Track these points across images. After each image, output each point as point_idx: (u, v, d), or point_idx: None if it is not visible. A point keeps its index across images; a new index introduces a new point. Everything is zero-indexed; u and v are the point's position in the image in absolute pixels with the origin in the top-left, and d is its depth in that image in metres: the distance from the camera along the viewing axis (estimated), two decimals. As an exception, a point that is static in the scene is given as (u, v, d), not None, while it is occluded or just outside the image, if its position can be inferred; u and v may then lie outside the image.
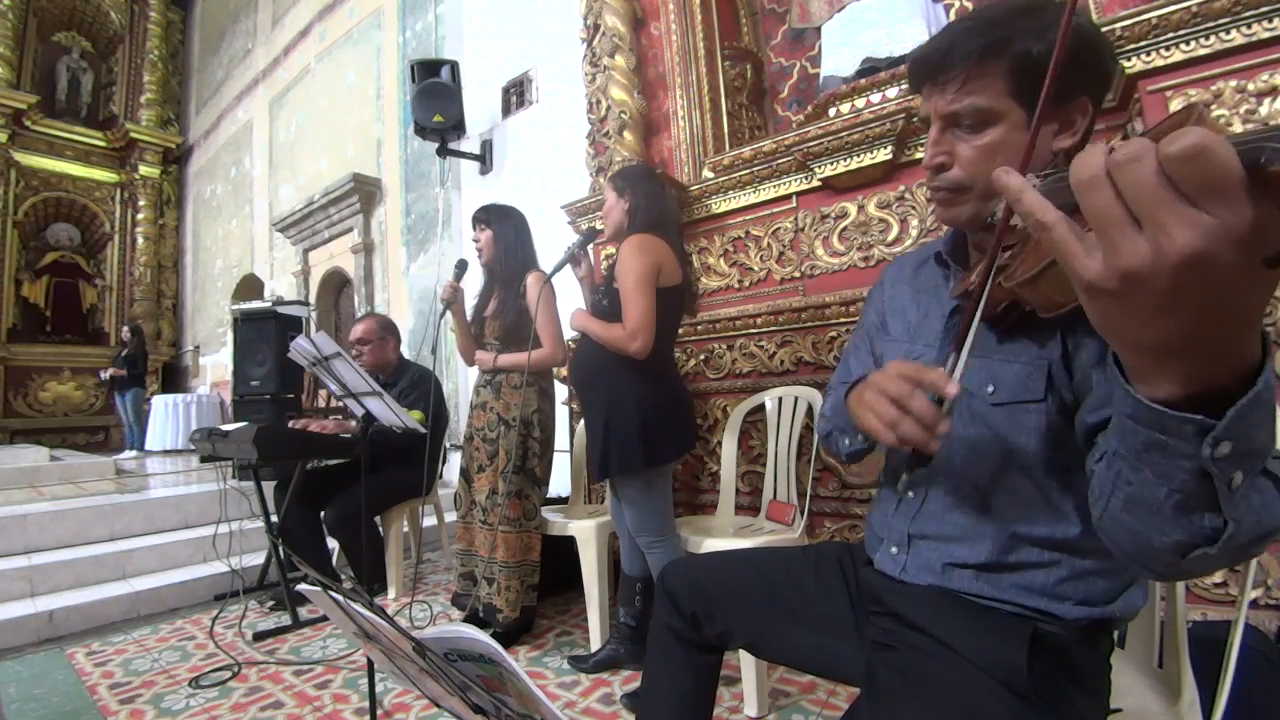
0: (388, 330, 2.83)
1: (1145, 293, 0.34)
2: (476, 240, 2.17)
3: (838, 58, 2.21)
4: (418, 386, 2.67)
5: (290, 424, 2.71)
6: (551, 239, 3.41)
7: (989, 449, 0.73)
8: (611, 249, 2.53)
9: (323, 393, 5.10)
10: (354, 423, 2.47)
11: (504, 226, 2.15)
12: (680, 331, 2.06)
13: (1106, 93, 0.72)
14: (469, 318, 2.22)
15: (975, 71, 0.68)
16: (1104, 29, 1.46)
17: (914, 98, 1.63)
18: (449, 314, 2.16)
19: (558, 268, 1.91)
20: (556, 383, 2.78)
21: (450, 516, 2.65)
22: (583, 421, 2.47)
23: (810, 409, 1.90)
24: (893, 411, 0.61)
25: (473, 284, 2.28)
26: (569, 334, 2.20)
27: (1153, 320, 0.35)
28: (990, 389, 0.72)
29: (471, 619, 2.09)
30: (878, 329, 0.95)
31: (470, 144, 4.27)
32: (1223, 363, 0.37)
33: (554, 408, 2.16)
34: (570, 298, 2.03)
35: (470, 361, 2.24)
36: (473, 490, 2.16)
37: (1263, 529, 0.43)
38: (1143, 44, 1.44)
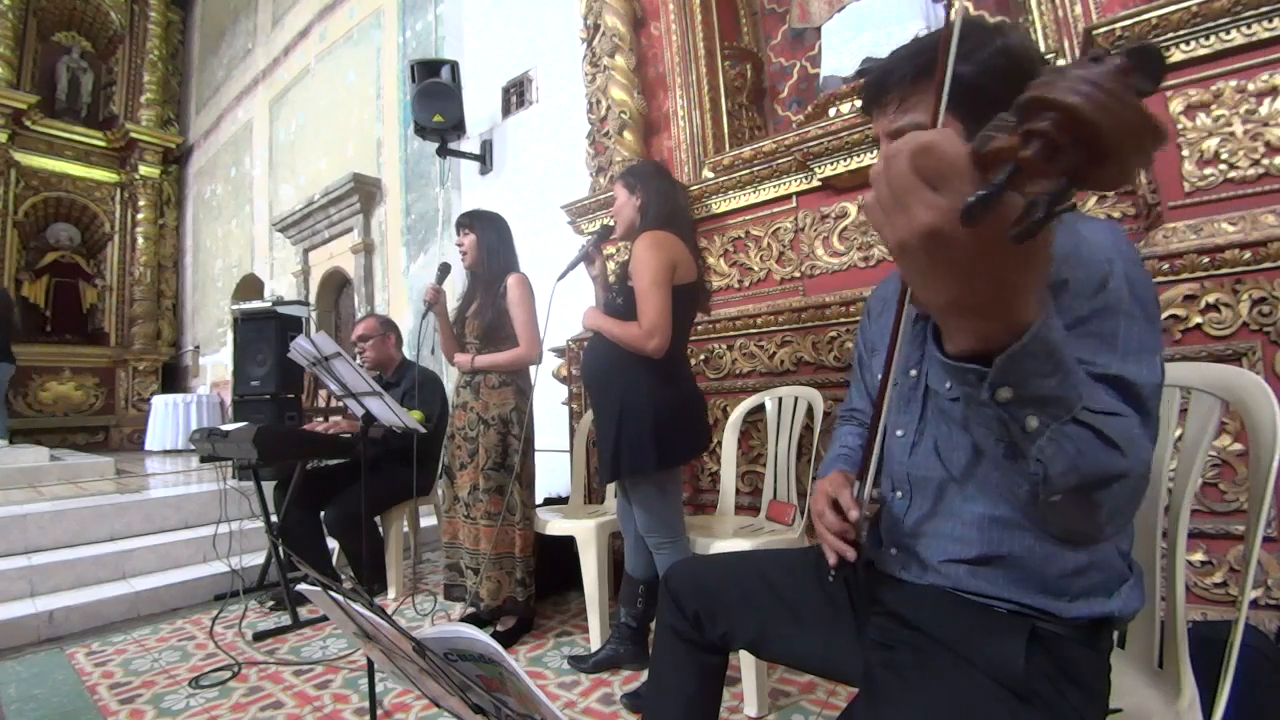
0: (388, 327, 2.84)
1: (915, 259, 0.43)
2: (460, 245, 2.23)
3: (838, 58, 2.20)
4: (424, 388, 2.68)
5: (304, 426, 2.72)
6: (551, 239, 3.42)
7: (960, 443, 0.76)
8: (612, 249, 2.53)
9: (323, 393, 5.10)
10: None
11: (486, 231, 2.21)
12: (684, 330, 2.05)
13: None
14: (452, 319, 2.29)
15: (910, 92, 0.74)
16: (1104, 29, 1.46)
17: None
18: (432, 315, 2.23)
19: (570, 267, 1.90)
20: (556, 382, 2.80)
21: (448, 516, 2.66)
22: (583, 421, 2.48)
23: (810, 409, 1.90)
24: (819, 527, 0.76)
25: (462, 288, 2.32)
26: (577, 332, 2.20)
27: (930, 283, 0.44)
28: (947, 385, 0.75)
29: (471, 618, 2.10)
30: (867, 359, 1.01)
31: (470, 144, 4.27)
32: (999, 321, 0.45)
33: (532, 405, 2.21)
34: (579, 296, 2.02)
35: (453, 362, 2.29)
36: (455, 486, 2.22)
37: (1083, 473, 0.50)
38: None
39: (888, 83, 0.76)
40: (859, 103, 2.13)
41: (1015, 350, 0.45)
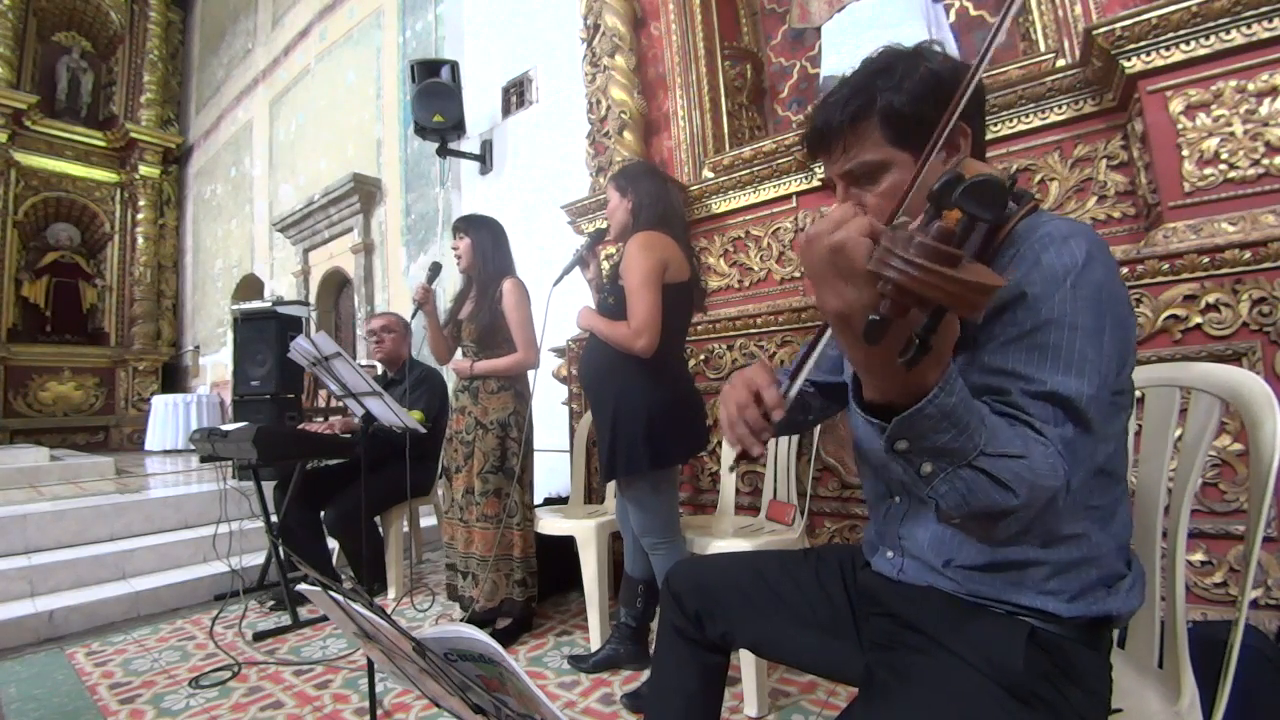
0: (408, 329, 2.87)
1: (831, 324, 0.52)
2: (455, 248, 2.25)
3: (838, 58, 2.20)
4: (423, 384, 2.68)
5: (300, 427, 2.73)
6: (551, 239, 3.42)
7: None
8: (612, 249, 2.53)
9: (323, 393, 5.10)
10: (357, 420, 2.48)
11: (481, 235, 2.22)
12: (681, 331, 2.06)
13: (980, 109, 0.81)
14: (443, 319, 2.30)
15: (851, 135, 0.76)
16: (1104, 29, 1.46)
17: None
18: (421, 314, 2.23)
19: (566, 271, 1.91)
20: (556, 383, 2.80)
21: (449, 516, 2.66)
22: (583, 422, 2.48)
23: (810, 409, 1.89)
24: (734, 413, 0.71)
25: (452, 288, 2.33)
26: (577, 333, 2.21)
27: (843, 345, 0.52)
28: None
29: (471, 618, 2.10)
30: None
31: (470, 144, 4.27)
32: (898, 387, 0.52)
33: (529, 409, 2.22)
34: (579, 297, 2.03)
35: (442, 361, 2.31)
36: (452, 489, 2.23)
37: (972, 506, 0.56)
38: (1143, 44, 1.44)
39: (828, 131, 0.78)
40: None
41: (911, 414, 0.52)
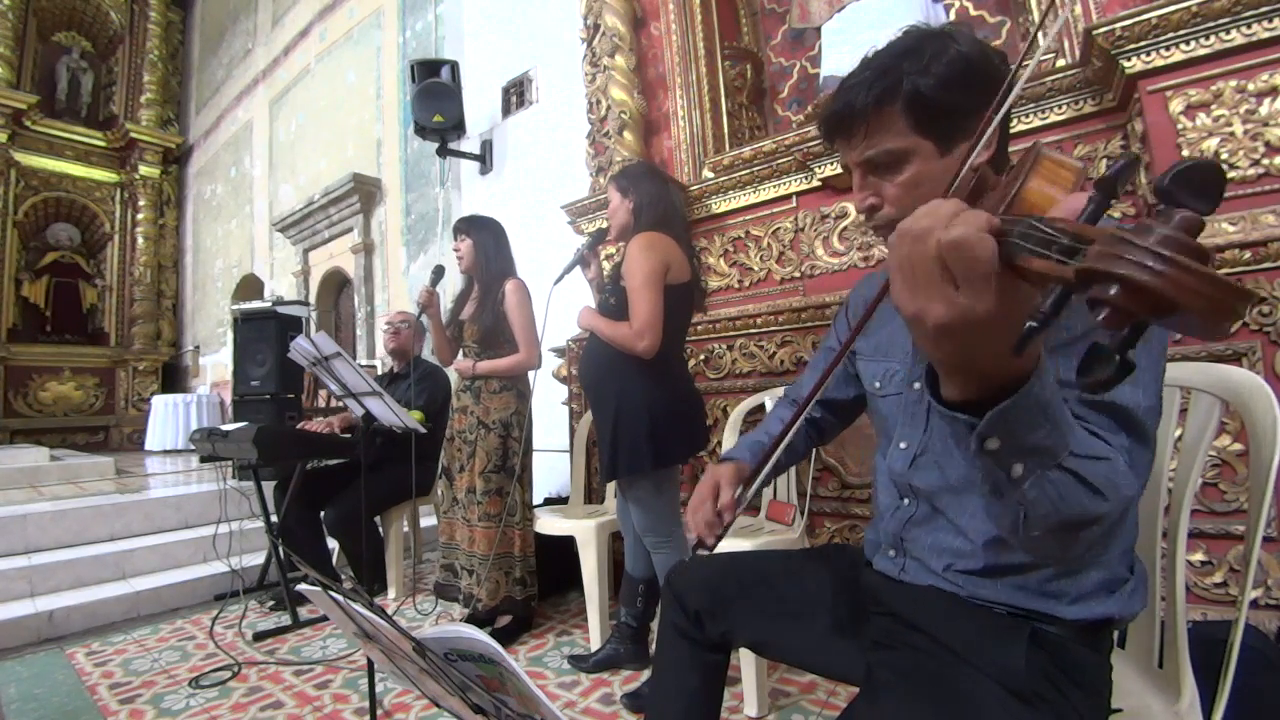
0: (422, 329, 2.89)
1: (922, 330, 0.45)
2: (457, 249, 2.25)
3: (838, 58, 2.21)
4: (426, 380, 2.69)
5: (299, 426, 2.75)
6: (551, 239, 3.42)
7: (960, 457, 0.74)
8: (613, 249, 2.53)
9: (323, 393, 5.10)
10: (357, 417, 2.49)
11: (483, 236, 2.23)
12: (681, 331, 2.06)
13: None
14: (445, 320, 2.31)
15: (875, 120, 0.72)
16: (1104, 29, 1.46)
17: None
18: (426, 317, 2.25)
19: (566, 270, 1.91)
20: (556, 383, 2.80)
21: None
22: (583, 422, 2.48)
23: (810, 409, 1.89)
24: (694, 504, 0.80)
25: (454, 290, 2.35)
26: (577, 333, 2.21)
27: (932, 347, 0.47)
28: (915, 384, 0.76)
29: (470, 618, 2.10)
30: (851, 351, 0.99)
31: (470, 144, 4.27)
32: (988, 381, 0.47)
33: (531, 408, 2.23)
34: (579, 297, 2.03)
35: (447, 363, 2.32)
36: (454, 489, 2.23)
37: (1063, 514, 0.51)
38: (1143, 44, 1.44)
39: (849, 115, 0.73)
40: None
41: (1006, 406, 0.47)
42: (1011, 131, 1.82)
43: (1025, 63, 0.53)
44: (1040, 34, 0.53)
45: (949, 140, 0.70)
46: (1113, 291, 0.33)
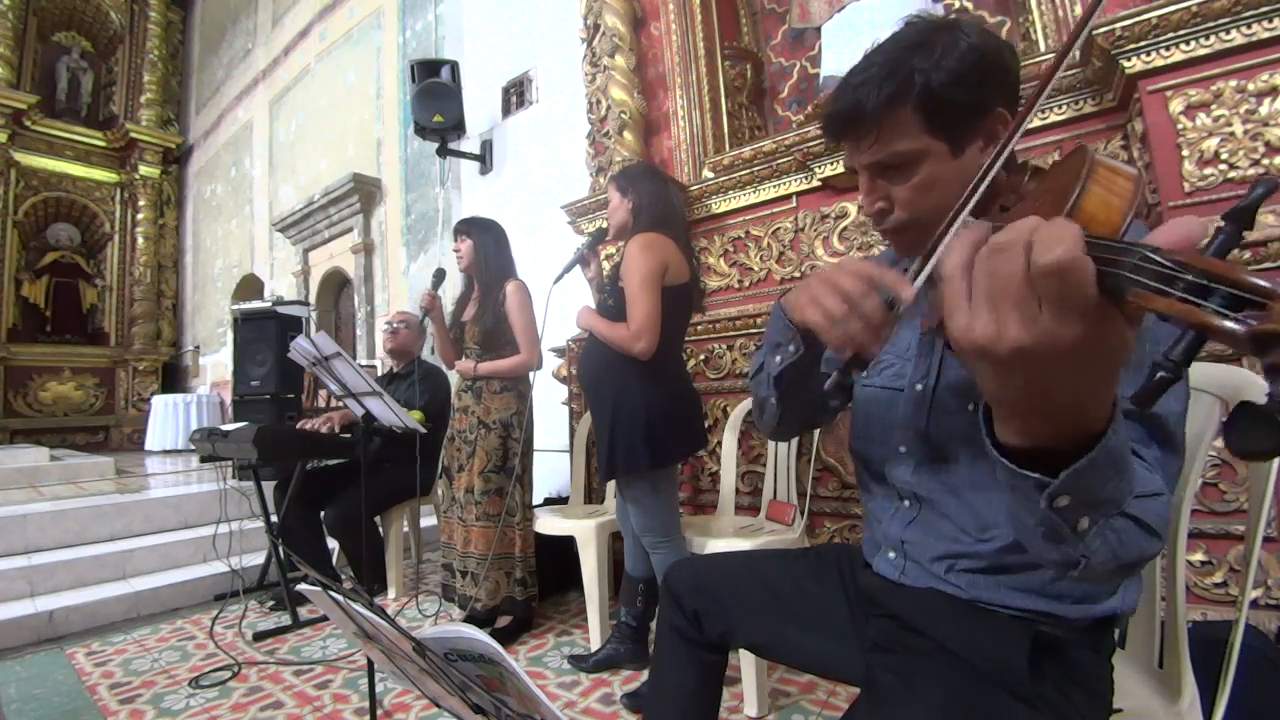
0: (423, 329, 2.89)
1: (990, 359, 0.38)
2: (457, 250, 2.26)
3: (838, 58, 2.20)
4: (426, 380, 2.69)
5: (299, 425, 2.76)
6: (551, 239, 3.42)
7: (962, 458, 0.74)
8: (613, 249, 2.53)
9: (323, 393, 5.10)
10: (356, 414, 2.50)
11: (484, 237, 2.23)
12: (681, 331, 2.06)
13: (1018, 95, 0.71)
14: (447, 322, 2.32)
15: (887, 121, 0.67)
16: (1104, 29, 1.46)
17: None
18: (429, 320, 2.26)
19: (566, 270, 1.91)
20: (556, 383, 2.80)
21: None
22: (583, 422, 2.48)
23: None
24: (842, 307, 0.57)
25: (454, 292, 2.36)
26: (577, 333, 2.22)
27: (996, 380, 0.40)
28: (970, 406, 0.73)
29: (470, 618, 2.10)
30: None
31: (470, 144, 4.27)
32: (1060, 428, 0.41)
33: (532, 409, 2.23)
34: (579, 297, 2.03)
35: (450, 365, 2.33)
36: (454, 488, 2.24)
37: (1121, 560, 0.48)
38: (1143, 44, 1.44)
39: (859, 115, 0.68)
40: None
41: (1082, 465, 0.41)
42: (1012, 131, 1.82)
43: (1048, 70, 0.52)
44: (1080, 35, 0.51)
45: (962, 140, 0.68)
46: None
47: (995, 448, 0.45)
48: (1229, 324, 0.30)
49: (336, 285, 6.20)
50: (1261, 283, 0.30)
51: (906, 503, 0.81)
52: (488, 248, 2.22)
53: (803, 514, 1.83)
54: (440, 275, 2.33)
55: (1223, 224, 0.34)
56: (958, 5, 2.25)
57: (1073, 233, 0.35)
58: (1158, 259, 0.33)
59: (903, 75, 0.66)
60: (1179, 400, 0.59)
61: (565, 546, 2.09)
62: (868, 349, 0.56)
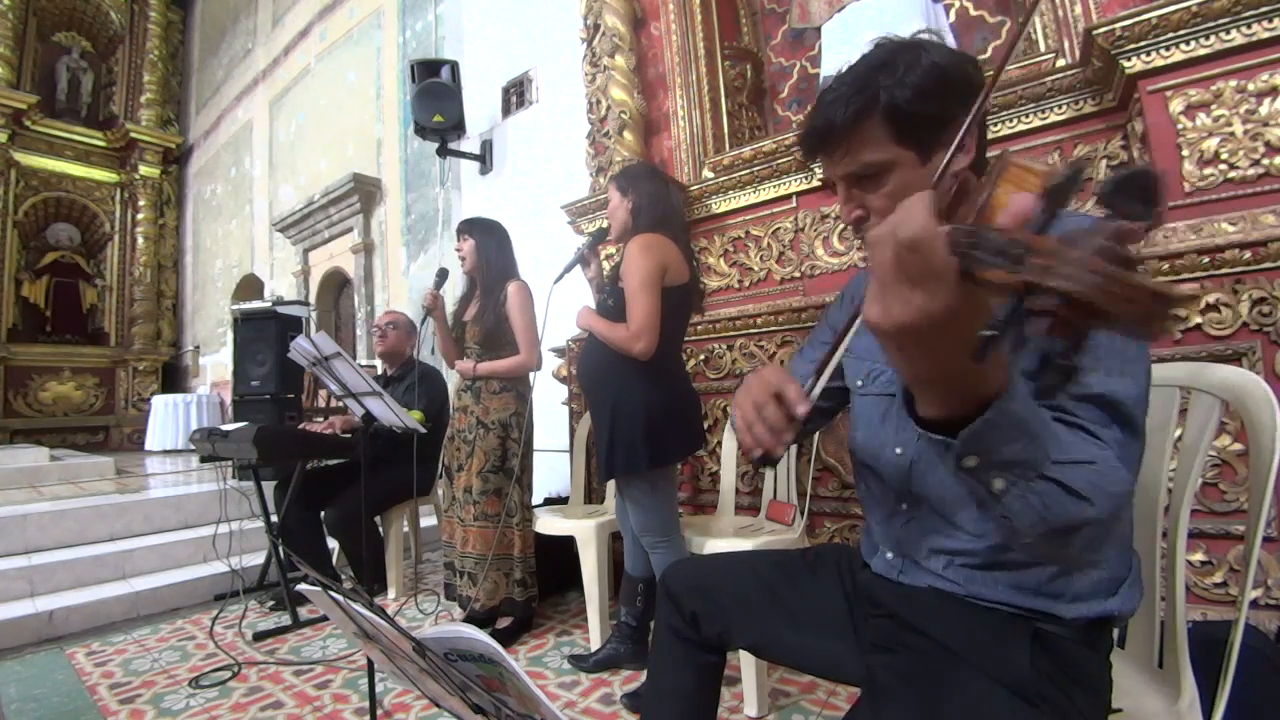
0: (413, 329, 2.90)
1: (885, 340, 0.46)
2: (459, 250, 2.27)
3: (838, 58, 2.20)
4: (423, 381, 2.69)
5: (300, 426, 2.75)
6: (551, 239, 3.42)
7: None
8: (613, 249, 2.53)
9: (323, 393, 5.10)
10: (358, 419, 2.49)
11: (486, 239, 2.24)
12: (681, 331, 2.06)
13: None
14: (449, 322, 2.32)
15: (855, 135, 0.73)
16: (1104, 29, 1.46)
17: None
18: (431, 320, 2.27)
19: (567, 269, 1.91)
20: (556, 383, 2.80)
21: (450, 516, 2.66)
22: (582, 422, 2.48)
23: (810, 409, 1.89)
24: (752, 414, 0.65)
25: (457, 292, 2.36)
26: (577, 333, 2.22)
27: (900, 359, 0.47)
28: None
29: (470, 618, 2.10)
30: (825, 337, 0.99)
31: (470, 144, 4.27)
32: (961, 397, 0.48)
33: (531, 409, 2.23)
34: (579, 297, 2.03)
35: (452, 364, 2.33)
36: (454, 488, 2.25)
37: (1051, 523, 0.52)
38: (1143, 44, 1.44)
39: (829, 132, 0.74)
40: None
41: (978, 425, 0.48)
42: (1012, 132, 1.83)
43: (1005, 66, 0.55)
44: (1019, 40, 0.54)
45: (929, 149, 0.72)
46: (1052, 302, 0.35)
47: (916, 420, 0.52)
48: (1029, 278, 0.37)
49: (336, 285, 6.20)
50: (1048, 244, 0.36)
51: (905, 505, 0.82)
52: (490, 249, 2.23)
53: (803, 514, 1.83)
54: (443, 275, 2.33)
55: (1044, 202, 0.40)
56: (958, 5, 2.26)
57: (919, 213, 0.41)
58: (993, 236, 0.39)
59: (869, 92, 0.71)
60: (1136, 384, 0.60)
61: (565, 546, 2.09)
62: (773, 451, 0.65)
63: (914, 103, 0.69)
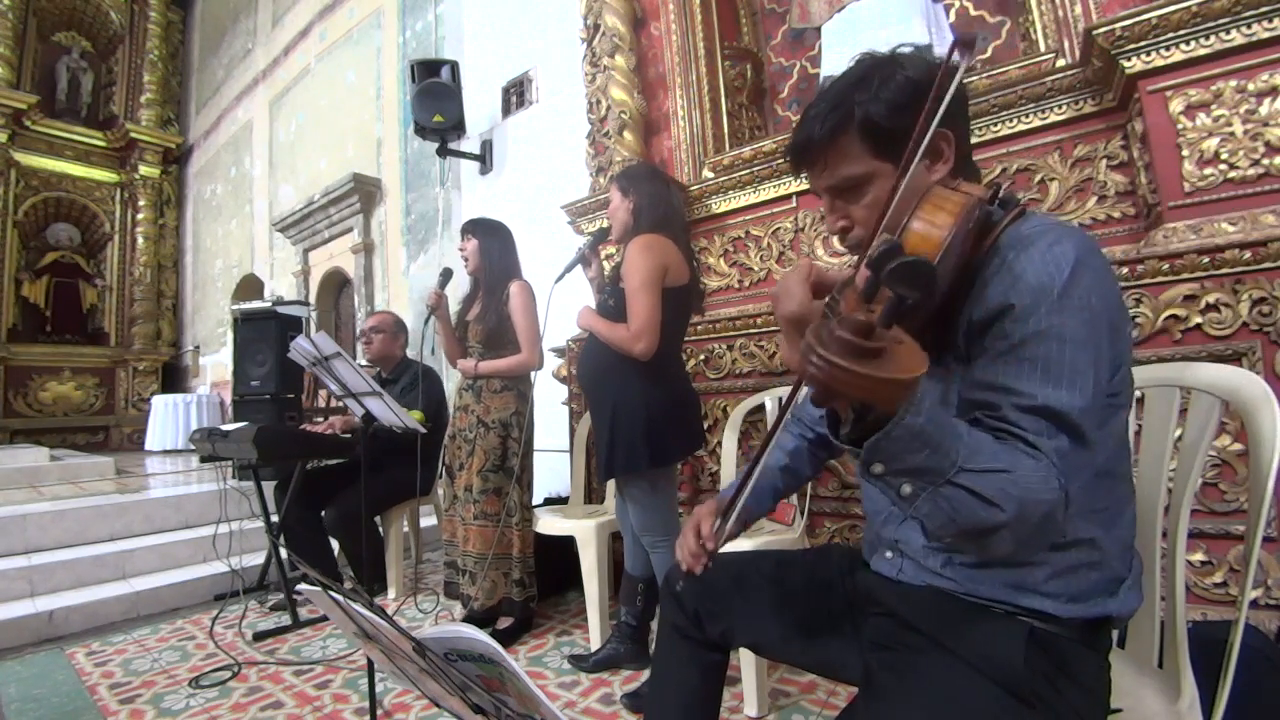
0: (400, 329, 2.88)
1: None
2: (462, 250, 2.27)
3: (838, 58, 2.20)
4: (419, 383, 2.69)
5: (302, 426, 2.74)
6: (551, 239, 3.42)
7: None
8: (613, 249, 2.53)
9: (323, 393, 5.10)
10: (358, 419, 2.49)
11: (490, 240, 2.24)
12: (681, 331, 2.06)
13: (963, 113, 0.79)
14: (453, 322, 2.32)
15: (832, 150, 0.76)
16: (1104, 29, 1.46)
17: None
18: (434, 319, 2.26)
19: (568, 269, 1.92)
20: (556, 383, 2.80)
21: (450, 516, 2.66)
22: (583, 422, 2.48)
23: (810, 409, 1.89)
24: (680, 540, 0.88)
25: (460, 291, 2.36)
26: (577, 333, 2.22)
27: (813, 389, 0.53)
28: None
29: (470, 618, 2.10)
30: None
31: (470, 144, 4.27)
32: (875, 417, 0.55)
33: (532, 409, 2.23)
34: (580, 297, 2.03)
35: (454, 363, 2.33)
36: (455, 486, 2.25)
37: (961, 525, 0.58)
38: (1143, 44, 1.44)
39: (809, 147, 0.77)
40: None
41: (879, 437, 0.54)
42: (1012, 132, 1.84)
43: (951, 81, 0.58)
44: (957, 55, 0.57)
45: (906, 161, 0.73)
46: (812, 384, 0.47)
47: (834, 436, 0.61)
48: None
49: (336, 285, 6.20)
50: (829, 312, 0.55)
51: (897, 506, 0.82)
52: (493, 250, 2.23)
53: (803, 514, 1.83)
54: (447, 274, 2.32)
55: (869, 274, 0.48)
56: (958, 5, 2.26)
57: (788, 284, 0.63)
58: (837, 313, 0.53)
59: (844, 109, 0.74)
60: (1083, 395, 0.61)
61: (565, 546, 2.09)
62: (693, 569, 0.85)
63: (888, 117, 0.71)
